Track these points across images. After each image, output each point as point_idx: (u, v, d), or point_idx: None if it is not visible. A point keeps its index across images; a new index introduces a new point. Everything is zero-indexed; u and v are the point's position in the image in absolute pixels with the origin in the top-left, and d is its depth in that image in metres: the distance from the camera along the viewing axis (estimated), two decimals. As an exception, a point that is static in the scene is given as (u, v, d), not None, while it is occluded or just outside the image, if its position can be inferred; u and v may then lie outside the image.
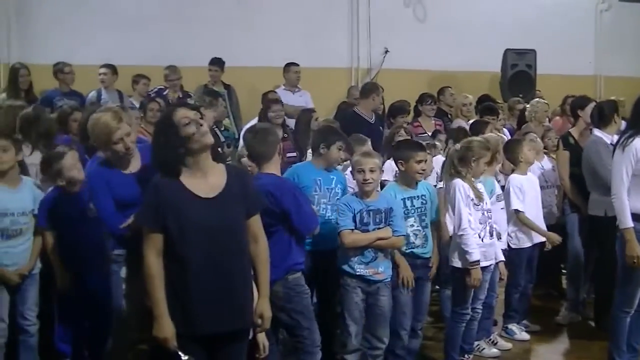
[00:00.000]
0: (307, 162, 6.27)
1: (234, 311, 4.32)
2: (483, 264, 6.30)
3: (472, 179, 6.34)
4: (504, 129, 9.91)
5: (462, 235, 6.19)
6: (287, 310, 5.49)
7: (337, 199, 6.15)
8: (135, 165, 5.28)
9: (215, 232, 4.22)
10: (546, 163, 8.24)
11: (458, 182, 6.27)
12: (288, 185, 5.53)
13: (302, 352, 5.56)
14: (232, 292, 4.30)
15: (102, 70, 10.45)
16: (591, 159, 7.39)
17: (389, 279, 5.92)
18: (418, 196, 6.17)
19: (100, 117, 5.27)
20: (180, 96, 10.51)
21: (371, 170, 5.81)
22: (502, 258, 6.68)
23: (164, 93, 10.66)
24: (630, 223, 5.90)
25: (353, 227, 5.72)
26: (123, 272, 5.29)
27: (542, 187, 7.92)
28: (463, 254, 6.21)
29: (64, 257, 5.81)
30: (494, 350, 7.00)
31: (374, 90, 10.03)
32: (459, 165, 6.32)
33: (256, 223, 4.49)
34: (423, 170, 6.25)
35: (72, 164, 5.78)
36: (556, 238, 7.33)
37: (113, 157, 5.30)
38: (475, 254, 6.16)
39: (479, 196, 6.29)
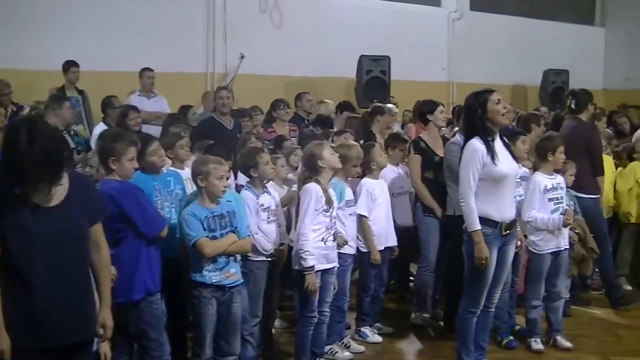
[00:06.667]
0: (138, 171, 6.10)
1: (77, 322, 4.19)
2: (324, 266, 6.37)
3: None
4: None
5: (300, 240, 6.25)
6: (134, 319, 5.40)
7: (180, 199, 6.08)
8: None
9: (58, 241, 4.06)
10: (402, 168, 8.29)
11: (313, 186, 6.30)
12: (130, 188, 5.39)
13: None
14: (76, 302, 4.18)
15: None
16: (448, 159, 7.52)
17: (241, 283, 5.89)
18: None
19: None
20: (14, 110, 9.74)
21: (227, 178, 5.77)
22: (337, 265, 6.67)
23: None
24: (477, 225, 6.02)
25: (206, 236, 5.61)
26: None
27: (398, 194, 8.08)
28: None
29: None
30: (347, 354, 7.03)
31: (219, 89, 10.09)
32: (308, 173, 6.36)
33: (98, 231, 4.37)
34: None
35: None
36: (377, 257, 7.34)
37: None
38: (309, 260, 6.20)
39: (330, 202, 6.33)
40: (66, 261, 4.10)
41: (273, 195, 6.63)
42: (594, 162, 8.46)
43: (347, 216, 6.92)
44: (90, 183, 4.58)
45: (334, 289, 6.63)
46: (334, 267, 6.51)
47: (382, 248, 7.43)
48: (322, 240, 6.31)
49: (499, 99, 6.14)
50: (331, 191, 6.46)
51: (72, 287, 4.15)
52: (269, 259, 6.49)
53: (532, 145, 7.72)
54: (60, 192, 4.12)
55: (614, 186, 9.45)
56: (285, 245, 6.68)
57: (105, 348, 4.71)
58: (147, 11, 12.57)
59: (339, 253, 6.63)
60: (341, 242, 6.71)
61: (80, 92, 11.15)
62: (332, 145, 6.98)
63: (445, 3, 16.73)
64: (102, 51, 11.86)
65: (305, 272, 6.21)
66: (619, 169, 9.65)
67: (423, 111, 8.19)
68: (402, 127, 11.98)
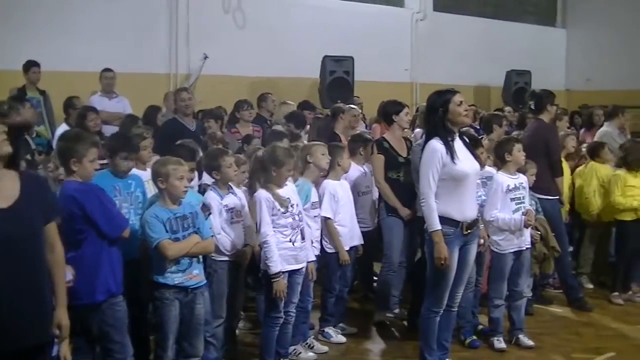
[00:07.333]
0: (106, 170, 6.11)
1: (34, 324, 4.14)
2: (294, 267, 6.37)
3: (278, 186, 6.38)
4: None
5: (263, 248, 6.25)
6: (97, 321, 5.37)
7: (139, 202, 6.08)
8: None
9: (12, 243, 4.00)
10: (367, 167, 8.26)
11: (262, 193, 6.28)
12: (92, 189, 5.36)
13: None
14: (32, 304, 4.12)
15: None
16: (415, 162, 7.52)
17: (204, 284, 5.88)
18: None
19: None
20: None
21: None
22: (313, 258, 6.74)
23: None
24: (437, 226, 6.05)
25: (169, 237, 5.58)
26: None
27: (364, 193, 8.11)
28: None
29: None
30: (311, 354, 7.02)
31: (179, 91, 10.02)
32: (266, 173, 6.35)
33: (53, 231, 4.33)
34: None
35: None
36: (346, 258, 7.37)
37: None
38: (274, 267, 6.19)
39: (284, 204, 6.31)
40: (21, 262, 4.05)
41: (239, 196, 6.63)
42: (553, 163, 8.52)
43: (312, 218, 6.91)
44: (43, 182, 4.54)
45: (311, 277, 6.67)
46: (302, 268, 6.50)
47: (348, 248, 7.44)
48: (290, 241, 6.31)
49: (461, 101, 6.18)
50: (285, 191, 6.39)
51: (28, 288, 4.09)
52: (232, 260, 6.49)
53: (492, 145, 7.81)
54: (12, 194, 4.09)
55: (573, 186, 9.55)
56: (249, 246, 6.66)
57: (65, 351, 4.67)
58: (110, 11, 12.47)
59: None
60: None
61: (42, 92, 11.06)
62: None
63: (409, 4, 16.82)
64: (64, 51, 11.76)
65: (273, 280, 6.21)
66: (579, 168, 9.75)
67: (389, 111, 8.17)
68: (367, 127, 11.99)
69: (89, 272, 5.26)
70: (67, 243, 4.54)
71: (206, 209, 6.25)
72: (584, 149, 10.18)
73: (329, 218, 7.25)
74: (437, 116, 6.16)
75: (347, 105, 9.90)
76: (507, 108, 14.12)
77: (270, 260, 6.19)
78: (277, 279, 6.21)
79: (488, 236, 7.22)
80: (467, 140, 6.47)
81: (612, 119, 11.16)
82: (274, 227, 6.26)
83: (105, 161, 7.52)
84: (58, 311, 4.33)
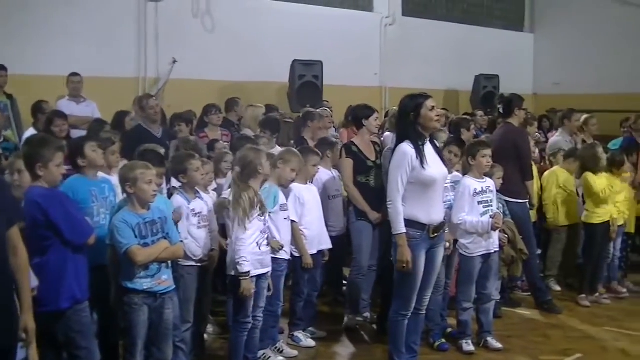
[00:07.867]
0: (77, 175, 6.06)
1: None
2: (259, 271, 6.35)
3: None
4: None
5: (236, 246, 6.20)
6: (63, 328, 5.33)
7: (113, 206, 6.01)
8: None
9: None
10: (336, 171, 8.30)
11: (244, 195, 6.26)
12: (56, 195, 5.31)
13: None
14: None
15: None
16: (386, 166, 7.52)
17: (174, 289, 5.86)
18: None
19: None
20: None
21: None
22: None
23: None
24: (402, 229, 6.08)
25: (138, 243, 5.55)
26: None
27: (334, 197, 8.14)
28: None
29: None
30: (280, 358, 7.02)
31: (144, 98, 10.00)
32: (245, 178, 6.34)
33: (15, 235, 4.30)
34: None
35: None
36: (309, 261, 7.32)
37: None
38: (245, 266, 6.16)
39: (262, 207, 6.32)
40: None
41: (206, 200, 6.61)
42: (523, 167, 8.57)
43: (282, 220, 6.90)
44: (5, 185, 4.50)
45: (270, 290, 6.62)
46: (267, 273, 6.49)
47: (315, 252, 7.44)
48: (257, 245, 6.29)
49: (433, 106, 6.21)
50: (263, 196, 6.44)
51: None
52: (199, 264, 6.48)
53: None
54: None
55: (541, 191, 9.64)
56: (216, 250, 6.64)
57: (34, 356, 4.62)
58: (78, 14, 12.30)
59: (273, 258, 6.62)
60: (277, 247, 6.71)
61: (9, 96, 10.94)
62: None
63: (378, 8, 16.85)
64: (31, 55, 11.61)
65: (241, 278, 6.18)
66: (547, 172, 9.84)
67: (358, 116, 8.19)
68: (336, 130, 12.01)
69: (54, 279, 5.21)
70: (31, 249, 4.50)
71: (177, 215, 6.25)
72: (549, 151, 10.27)
73: (293, 221, 7.23)
74: (408, 120, 6.19)
75: (320, 109, 9.87)
76: (479, 112, 14.19)
77: (241, 259, 6.15)
78: (246, 278, 6.18)
79: (455, 241, 7.27)
80: (437, 145, 6.51)
81: (564, 124, 11.01)
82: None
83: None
84: (24, 315, 4.30)
